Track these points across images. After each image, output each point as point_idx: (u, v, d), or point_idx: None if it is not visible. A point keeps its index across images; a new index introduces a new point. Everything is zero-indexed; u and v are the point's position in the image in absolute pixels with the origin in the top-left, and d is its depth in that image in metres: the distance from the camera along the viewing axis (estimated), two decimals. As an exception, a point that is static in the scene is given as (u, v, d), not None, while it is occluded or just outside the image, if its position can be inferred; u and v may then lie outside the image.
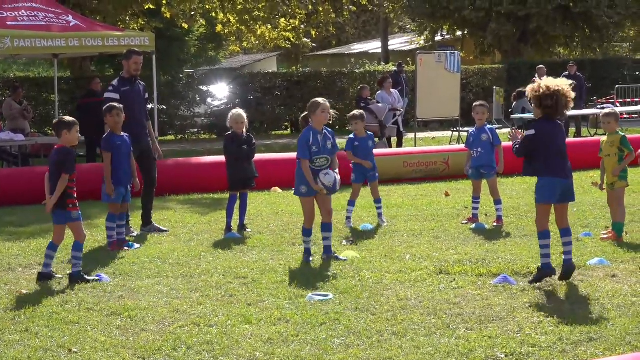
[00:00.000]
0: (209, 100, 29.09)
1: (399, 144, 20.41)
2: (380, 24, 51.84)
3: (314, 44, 54.02)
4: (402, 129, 20.72)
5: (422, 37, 43.15)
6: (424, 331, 6.26)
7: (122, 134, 9.77)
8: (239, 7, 25.60)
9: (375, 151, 11.81)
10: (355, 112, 11.36)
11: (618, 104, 28.30)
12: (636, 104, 29.63)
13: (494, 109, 25.49)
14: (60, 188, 7.96)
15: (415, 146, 20.00)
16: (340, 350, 5.88)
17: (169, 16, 24.34)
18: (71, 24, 16.20)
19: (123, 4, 23.02)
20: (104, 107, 9.83)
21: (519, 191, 13.53)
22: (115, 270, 8.46)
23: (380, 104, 19.78)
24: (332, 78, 29.82)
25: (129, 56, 10.58)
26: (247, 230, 10.61)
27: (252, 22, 26.59)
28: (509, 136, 8.42)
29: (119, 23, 23.30)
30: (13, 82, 23.91)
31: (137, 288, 7.72)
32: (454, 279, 7.77)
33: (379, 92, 20.68)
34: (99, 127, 10.90)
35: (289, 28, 28.79)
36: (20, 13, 15.88)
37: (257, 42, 34.09)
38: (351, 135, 11.18)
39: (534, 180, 7.95)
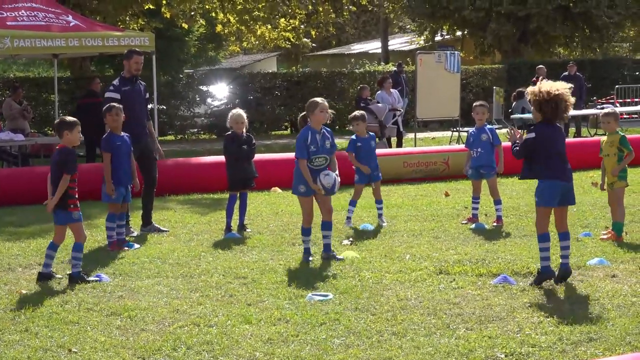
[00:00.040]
0: (209, 100, 29.07)
1: (399, 144, 20.40)
2: (380, 24, 51.80)
3: (313, 44, 53.98)
4: (402, 129, 20.71)
5: (422, 37, 43.10)
6: (423, 331, 6.26)
7: (122, 133, 9.77)
8: (239, 7, 25.61)
9: (376, 151, 11.81)
10: (357, 113, 11.35)
11: (618, 104, 28.28)
12: (636, 104, 29.61)
13: (494, 109, 25.45)
14: (61, 188, 7.96)
15: (415, 146, 19.98)
16: (340, 350, 5.88)
17: (168, 16, 24.34)
18: (71, 24, 16.20)
19: (123, 4, 23.01)
20: (104, 107, 9.84)
21: (519, 191, 13.53)
22: (115, 270, 8.46)
23: (380, 104, 19.77)
24: (332, 78, 29.81)
25: (129, 56, 10.58)
26: (247, 230, 10.61)
27: (252, 22, 26.59)
28: (507, 136, 8.43)
29: (119, 23, 23.29)
30: (13, 82, 23.90)
31: (137, 288, 7.72)
32: (454, 279, 7.77)
33: (378, 92, 20.66)
34: (99, 127, 10.91)
35: (288, 28, 28.78)
36: (20, 13, 15.87)
37: (257, 42, 34.09)
38: (353, 136, 11.17)
39: (534, 180, 7.95)
